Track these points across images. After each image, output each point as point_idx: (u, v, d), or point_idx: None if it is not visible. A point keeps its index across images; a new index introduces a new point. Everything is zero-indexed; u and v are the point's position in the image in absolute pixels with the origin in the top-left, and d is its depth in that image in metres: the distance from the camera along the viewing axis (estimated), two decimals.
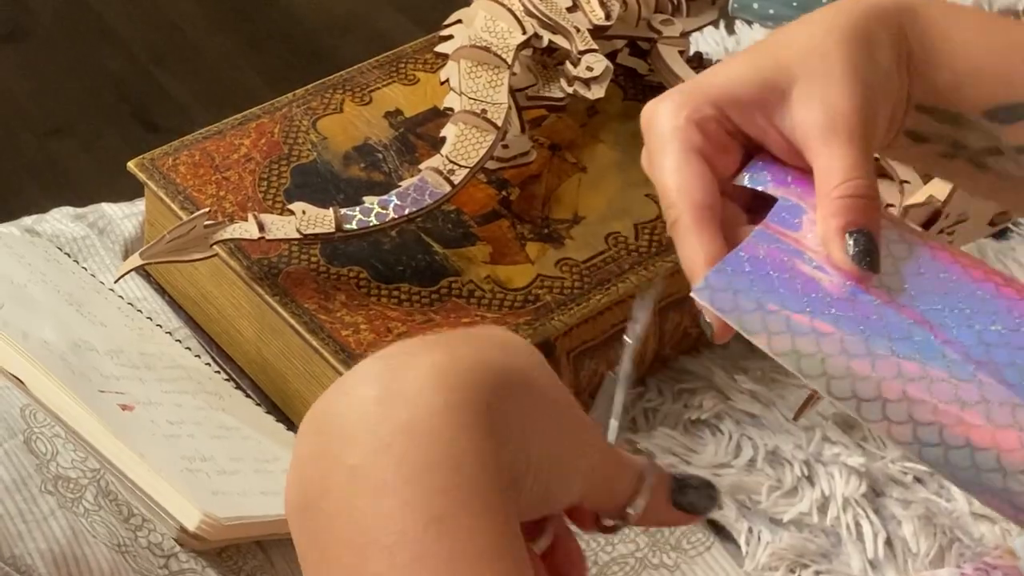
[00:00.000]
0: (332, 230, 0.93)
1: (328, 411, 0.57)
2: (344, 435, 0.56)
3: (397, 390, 0.55)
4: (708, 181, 0.68)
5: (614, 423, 0.66)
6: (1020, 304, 0.65)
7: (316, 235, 0.93)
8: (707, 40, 1.29)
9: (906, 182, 1.01)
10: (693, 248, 0.67)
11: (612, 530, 0.63)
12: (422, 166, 0.97)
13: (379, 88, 1.07)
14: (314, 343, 0.91)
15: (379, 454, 0.55)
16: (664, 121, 0.69)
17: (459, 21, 1.05)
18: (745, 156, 0.70)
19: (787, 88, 0.68)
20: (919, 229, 0.70)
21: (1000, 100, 0.74)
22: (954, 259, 0.67)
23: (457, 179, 0.96)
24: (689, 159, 0.68)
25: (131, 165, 1.01)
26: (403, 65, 1.09)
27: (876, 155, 0.76)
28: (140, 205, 1.06)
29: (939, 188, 0.99)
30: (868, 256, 0.66)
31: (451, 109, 0.99)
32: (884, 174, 1.00)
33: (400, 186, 0.96)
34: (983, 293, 0.66)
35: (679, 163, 0.68)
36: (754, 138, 0.70)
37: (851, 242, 0.66)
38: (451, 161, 0.96)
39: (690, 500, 0.64)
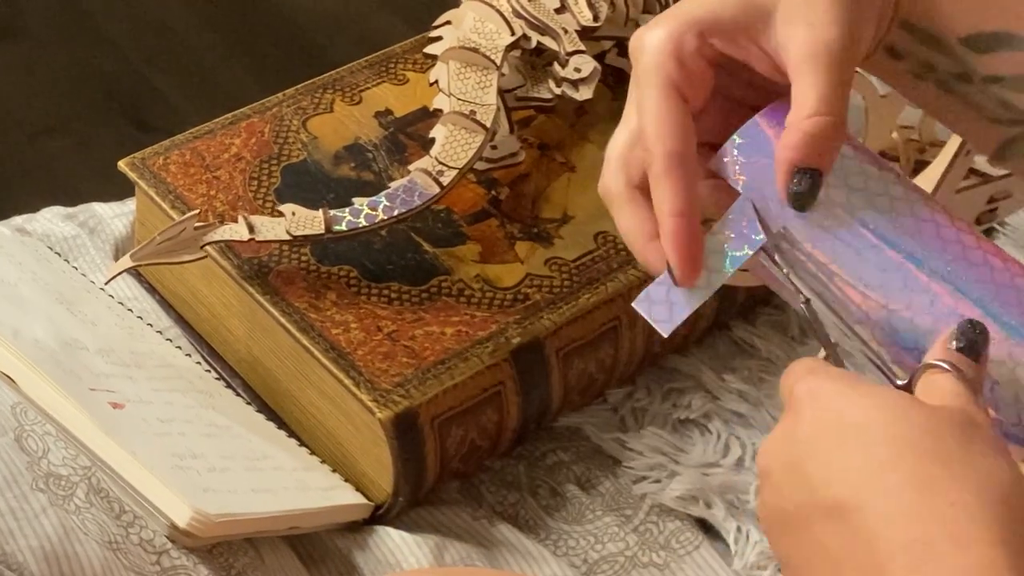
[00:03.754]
0: (322, 231, 0.93)
1: None
2: None
3: None
4: (686, 128, 0.69)
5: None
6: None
7: (306, 236, 0.93)
8: None
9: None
10: (659, 197, 0.69)
11: None
12: (411, 167, 0.97)
13: (369, 88, 1.07)
14: (304, 342, 0.91)
15: None
16: (650, 56, 0.70)
17: (448, 22, 1.05)
18: (717, 95, 0.71)
19: (772, 8, 0.69)
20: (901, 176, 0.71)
21: (978, 28, 0.75)
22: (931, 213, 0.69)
23: (446, 180, 0.96)
24: (669, 101, 0.69)
25: (122, 164, 1.01)
26: (393, 65, 1.09)
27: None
28: (131, 205, 1.06)
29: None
30: (803, 199, 0.68)
31: (440, 110, 1.00)
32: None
33: (389, 187, 0.96)
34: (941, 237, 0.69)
35: (658, 105, 0.69)
36: (739, 60, 0.71)
37: (795, 179, 0.67)
38: (440, 162, 0.96)
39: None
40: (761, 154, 0.70)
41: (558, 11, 1.04)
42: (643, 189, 0.70)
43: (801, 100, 0.68)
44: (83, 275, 1.01)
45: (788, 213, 0.69)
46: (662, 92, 0.69)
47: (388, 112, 1.06)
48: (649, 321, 0.70)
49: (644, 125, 0.69)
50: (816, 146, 0.67)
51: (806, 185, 0.67)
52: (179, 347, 0.98)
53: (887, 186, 0.70)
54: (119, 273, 0.95)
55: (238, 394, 0.97)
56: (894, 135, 1.06)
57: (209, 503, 0.81)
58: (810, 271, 0.69)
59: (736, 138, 0.70)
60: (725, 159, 0.70)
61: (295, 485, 0.90)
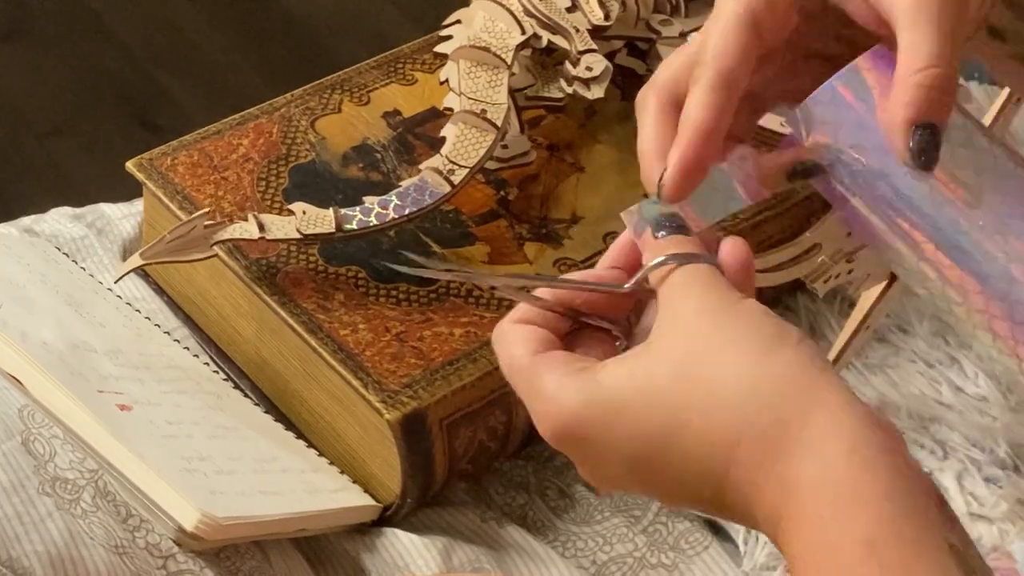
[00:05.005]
0: (332, 230, 0.93)
1: None
2: None
3: None
4: (748, 57, 0.67)
5: None
6: None
7: (316, 235, 0.93)
8: None
9: None
10: (690, 107, 0.67)
11: None
12: (422, 166, 0.97)
13: (377, 88, 1.07)
14: (312, 343, 0.91)
15: None
16: None
17: (458, 21, 1.05)
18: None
19: None
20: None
21: None
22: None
23: (457, 179, 0.96)
24: (741, 27, 0.67)
25: (129, 165, 1.01)
26: (401, 65, 1.09)
27: None
28: (138, 205, 1.06)
29: None
30: (927, 155, 0.64)
31: (450, 109, 0.99)
32: None
33: (400, 186, 0.96)
34: None
35: (730, 26, 0.67)
36: (834, 4, 0.68)
37: (916, 137, 0.64)
38: (451, 161, 0.96)
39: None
40: (853, 108, 0.67)
41: (569, 10, 1.03)
42: (680, 110, 0.68)
43: (911, 51, 0.64)
44: (91, 276, 1.01)
45: (895, 170, 0.66)
46: (739, 16, 0.67)
47: (396, 112, 1.05)
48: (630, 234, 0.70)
49: (708, 39, 0.67)
50: (934, 100, 0.64)
51: (928, 141, 0.64)
52: (187, 348, 0.98)
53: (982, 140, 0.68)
54: (129, 272, 0.95)
55: (246, 395, 0.97)
56: None
57: (217, 506, 0.81)
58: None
59: (834, 82, 0.67)
60: (815, 107, 0.67)
61: (303, 487, 0.90)
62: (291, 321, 0.92)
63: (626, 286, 0.68)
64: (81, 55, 2.24)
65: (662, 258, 0.67)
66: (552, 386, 0.66)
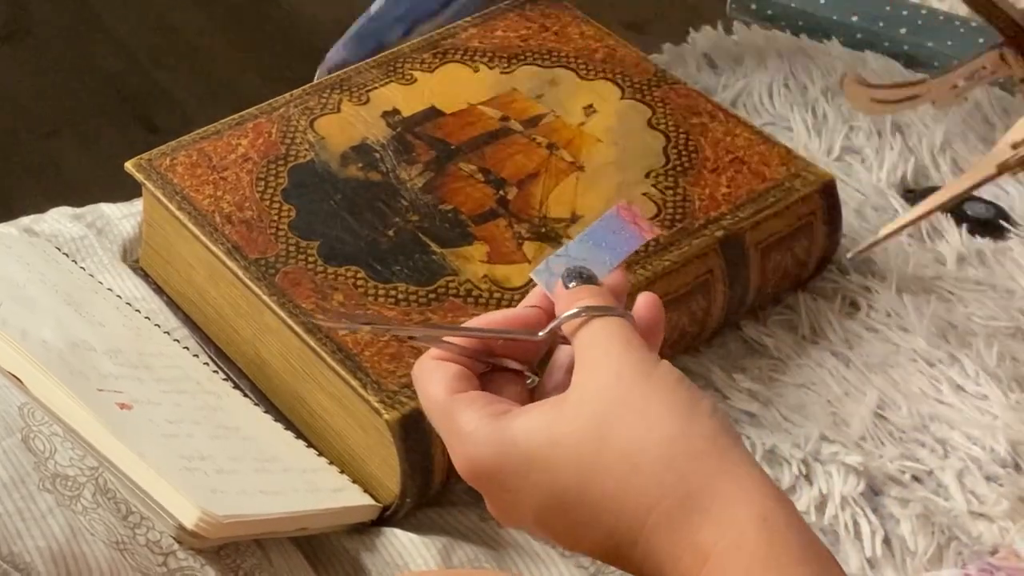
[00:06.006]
0: None
1: None
2: None
3: None
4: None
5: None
6: None
7: None
8: (707, 40, 1.29)
9: None
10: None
11: None
12: None
13: (376, 88, 1.07)
14: (311, 343, 0.91)
15: None
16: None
17: None
18: None
19: None
20: None
21: None
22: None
23: None
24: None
25: (128, 165, 1.01)
26: (400, 65, 1.09)
27: None
28: (138, 205, 1.06)
29: None
30: None
31: None
32: None
33: None
34: None
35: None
36: None
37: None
38: None
39: None
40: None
41: None
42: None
43: None
44: (91, 276, 1.01)
45: None
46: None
47: (395, 112, 1.05)
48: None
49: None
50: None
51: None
52: (187, 348, 0.98)
53: None
54: None
55: (246, 395, 0.97)
56: None
57: (218, 504, 0.81)
58: None
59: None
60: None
61: (304, 486, 0.90)
62: (290, 321, 0.92)
63: (540, 334, 0.72)
64: (81, 55, 2.24)
65: (575, 309, 0.70)
66: (468, 428, 0.69)
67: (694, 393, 0.68)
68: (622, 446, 0.66)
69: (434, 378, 0.72)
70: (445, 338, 0.73)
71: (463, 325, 0.74)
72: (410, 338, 0.74)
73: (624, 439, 0.67)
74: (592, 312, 0.70)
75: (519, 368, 0.73)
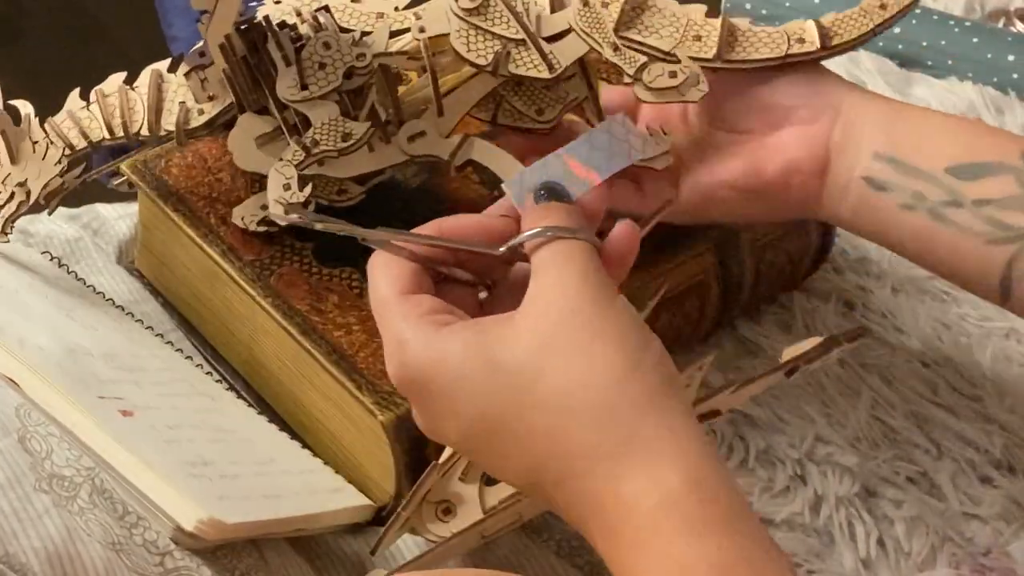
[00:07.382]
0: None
1: None
2: None
3: None
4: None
5: None
6: None
7: None
8: None
9: None
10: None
11: None
12: None
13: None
14: (307, 344, 0.91)
15: None
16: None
17: None
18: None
19: None
20: None
21: (960, 159, 0.78)
22: None
23: None
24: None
25: (123, 166, 1.01)
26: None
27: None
28: (134, 206, 1.06)
29: None
30: None
31: None
32: None
33: None
34: None
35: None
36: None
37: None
38: None
39: None
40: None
41: None
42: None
43: None
44: (81, 280, 1.01)
45: None
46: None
47: None
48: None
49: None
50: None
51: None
52: (181, 350, 0.98)
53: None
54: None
55: (240, 397, 0.97)
56: None
57: (226, 511, 0.81)
58: None
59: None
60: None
61: (303, 489, 0.90)
62: (285, 323, 0.92)
63: (500, 249, 0.68)
64: (77, 56, 2.24)
65: (539, 228, 0.67)
66: (408, 333, 0.67)
67: (645, 337, 0.65)
68: (559, 383, 0.63)
69: (384, 274, 0.69)
70: (395, 242, 0.69)
71: (418, 230, 0.70)
72: (362, 240, 0.70)
73: (563, 375, 0.64)
74: (556, 232, 0.66)
75: (469, 279, 0.70)
